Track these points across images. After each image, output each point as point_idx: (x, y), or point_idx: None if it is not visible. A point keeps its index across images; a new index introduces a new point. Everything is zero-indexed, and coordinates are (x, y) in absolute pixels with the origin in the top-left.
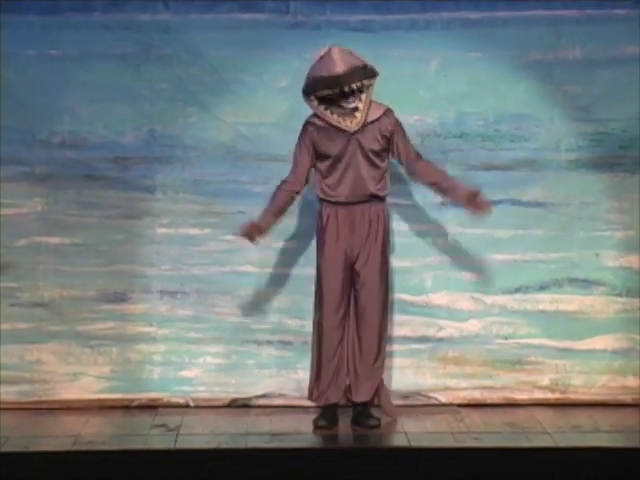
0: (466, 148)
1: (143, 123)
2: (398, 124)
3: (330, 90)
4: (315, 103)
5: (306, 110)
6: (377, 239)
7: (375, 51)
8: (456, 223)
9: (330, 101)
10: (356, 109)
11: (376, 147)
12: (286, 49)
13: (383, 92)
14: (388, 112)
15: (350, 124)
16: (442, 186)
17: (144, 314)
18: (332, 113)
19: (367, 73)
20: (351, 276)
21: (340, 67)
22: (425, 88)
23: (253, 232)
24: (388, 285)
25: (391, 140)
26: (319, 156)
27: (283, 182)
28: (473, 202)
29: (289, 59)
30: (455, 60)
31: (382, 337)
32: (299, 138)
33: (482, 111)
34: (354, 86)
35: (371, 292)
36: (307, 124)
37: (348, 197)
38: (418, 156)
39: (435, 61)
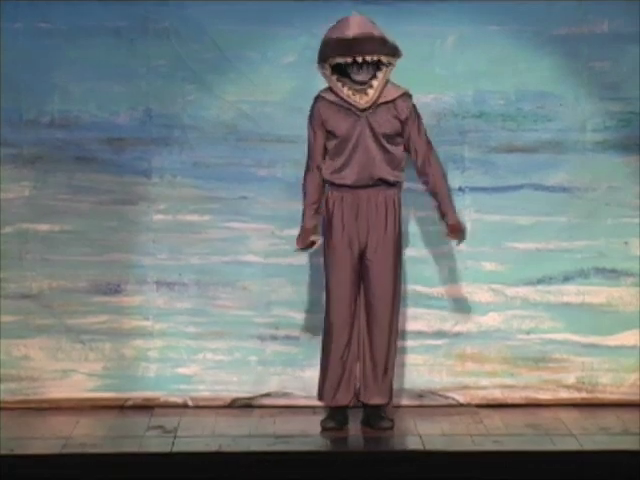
0: (486, 129)
1: (139, 102)
2: (414, 112)
3: (342, 57)
4: (328, 72)
5: (313, 88)
6: (387, 227)
7: (388, 25)
8: (474, 209)
9: (344, 73)
10: (370, 86)
11: (388, 130)
12: (293, 23)
13: (396, 69)
14: (405, 96)
15: (360, 100)
16: (438, 201)
17: (139, 307)
18: (343, 85)
19: (386, 49)
20: (360, 267)
21: (353, 31)
22: (441, 65)
23: (309, 237)
24: (400, 277)
25: (404, 128)
26: (328, 134)
27: (306, 173)
28: (454, 233)
29: (296, 34)
30: (473, 35)
31: (394, 332)
32: (310, 117)
33: (503, 89)
34: (369, 59)
35: (382, 285)
36: (317, 98)
37: (355, 181)
38: (429, 157)
39: (452, 36)
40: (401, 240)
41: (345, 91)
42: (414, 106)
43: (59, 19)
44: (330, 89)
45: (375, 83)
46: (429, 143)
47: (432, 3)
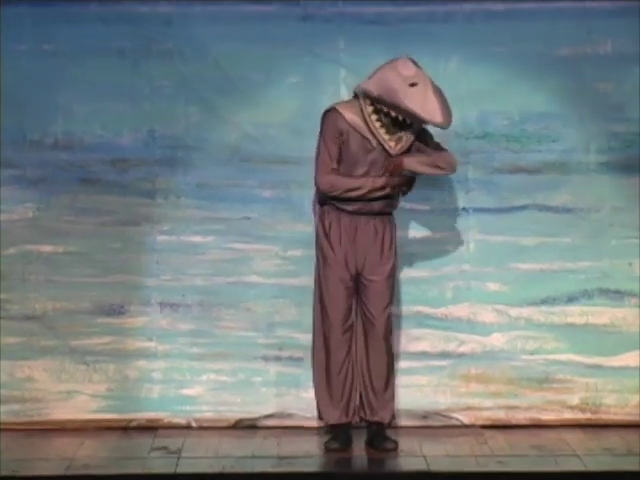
0: (490, 149)
1: (142, 123)
2: (427, 132)
3: (405, 119)
4: (370, 108)
5: (318, 109)
6: (384, 248)
7: (391, 46)
8: (478, 230)
9: (384, 113)
10: (404, 132)
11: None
12: (296, 43)
13: None
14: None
15: (393, 146)
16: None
17: (143, 328)
18: (382, 126)
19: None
20: (356, 285)
21: (443, 119)
22: (445, 86)
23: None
24: (394, 296)
25: (414, 144)
26: (341, 149)
27: (324, 177)
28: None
29: (299, 54)
30: (477, 56)
31: (391, 347)
32: (324, 128)
33: (507, 110)
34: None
35: (380, 304)
36: (333, 110)
37: (355, 210)
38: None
39: (456, 57)
40: (396, 259)
41: (382, 133)
42: (427, 129)
43: (63, 40)
44: (348, 107)
45: (410, 134)
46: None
47: (436, 24)
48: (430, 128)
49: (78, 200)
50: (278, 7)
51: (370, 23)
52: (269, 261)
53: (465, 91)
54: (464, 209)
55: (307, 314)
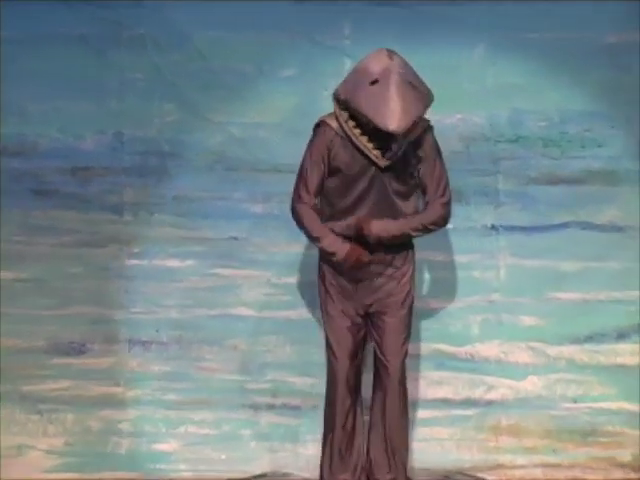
0: (523, 155)
1: (108, 124)
2: (432, 146)
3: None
4: (345, 116)
5: (317, 107)
6: (396, 274)
7: (405, 31)
8: (510, 252)
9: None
10: (394, 139)
11: (405, 173)
12: (292, 29)
13: None
14: (424, 133)
15: (379, 156)
16: None
17: (108, 370)
18: (363, 134)
19: (423, 123)
20: (366, 324)
21: (397, 124)
22: (470, 79)
23: (357, 252)
24: (410, 332)
25: (419, 165)
26: (330, 169)
27: (298, 204)
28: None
29: (296, 42)
30: (507, 43)
31: (406, 396)
32: (311, 142)
33: (543, 108)
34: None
35: (394, 342)
36: (322, 124)
37: (358, 236)
38: (440, 201)
39: (482, 44)
40: (413, 288)
41: (365, 141)
42: (433, 140)
43: (13, 24)
44: (334, 116)
45: (402, 140)
46: (443, 193)
47: (458, 5)
48: (454, 131)
49: (31, 216)
50: None
51: (380, 4)
52: (260, 290)
53: (493, 86)
54: (493, 227)
55: (305, 353)
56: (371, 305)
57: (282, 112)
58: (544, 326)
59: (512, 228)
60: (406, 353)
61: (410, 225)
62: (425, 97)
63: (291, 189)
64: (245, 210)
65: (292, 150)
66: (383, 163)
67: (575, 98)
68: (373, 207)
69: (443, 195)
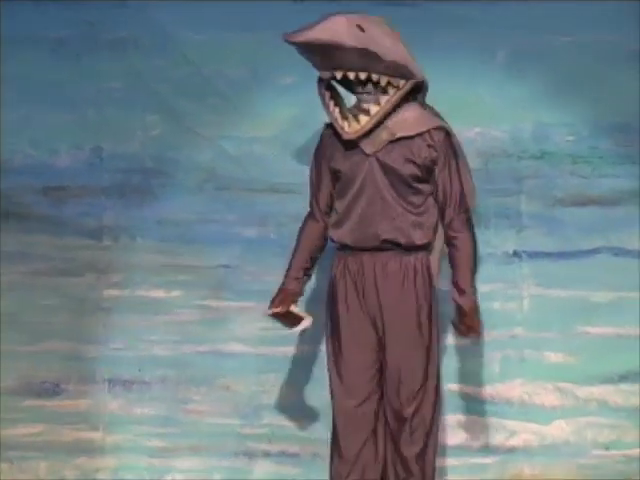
0: (549, 174)
1: (86, 138)
2: (449, 150)
3: (320, 69)
4: (323, 89)
5: (319, 119)
6: (406, 305)
7: (417, 34)
8: (534, 282)
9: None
10: (365, 112)
11: (406, 171)
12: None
13: (429, 93)
14: (436, 131)
15: (347, 128)
16: (454, 275)
17: (86, 413)
18: (336, 105)
19: (386, 68)
20: (380, 352)
21: (298, 35)
22: (490, 89)
23: (288, 303)
24: (438, 376)
25: (434, 172)
26: (333, 174)
27: (306, 218)
28: (462, 322)
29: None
30: (533, 48)
31: (431, 439)
32: (316, 148)
33: (572, 121)
34: (362, 76)
35: (408, 387)
36: (324, 126)
37: (354, 241)
38: (457, 220)
39: (504, 49)
40: (433, 318)
41: (335, 113)
42: (449, 144)
43: None
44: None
45: (373, 109)
46: (462, 200)
47: (477, 4)
48: (472, 146)
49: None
50: None
51: (388, 3)
52: (254, 324)
53: (516, 95)
54: (515, 253)
55: (304, 394)
56: (384, 331)
57: (280, 125)
58: (572, 364)
59: (536, 254)
60: (428, 388)
61: (471, 267)
62: (366, 39)
63: (289, 210)
64: (238, 234)
65: (291, 167)
66: (348, 134)
67: (607, 110)
68: (365, 209)
69: (464, 209)
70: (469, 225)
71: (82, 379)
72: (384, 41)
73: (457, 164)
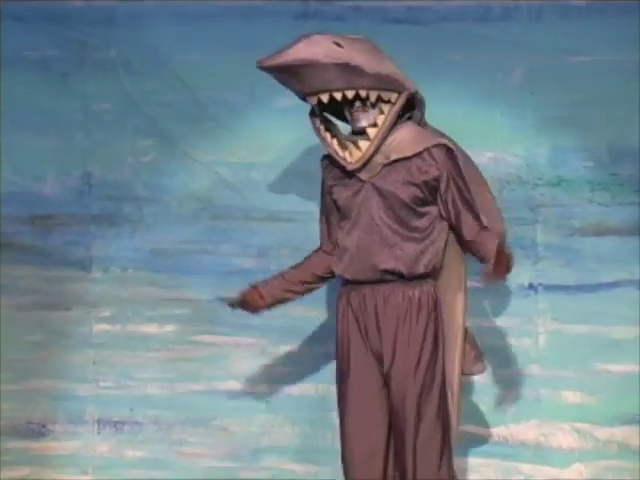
0: (567, 202)
1: (74, 163)
2: (453, 168)
3: (303, 96)
4: (318, 123)
5: (319, 144)
6: (411, 340)
7: (428, 54)
8: (551, 316)
9: (335, 117)
10: (364, 136)
11: (406, 195)
12: None
13: (439, 116)
14: (435, 148)
15: (349, 157)
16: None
17: (74, 456)
18: (332, 136)
19: (373, 81)
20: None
21: (297, 52)
22: (503, 111)
23: (252, 298)
24: (446, 416)
25: (438, 192)
26: (334, 205)
27: (317, 248)
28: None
29: None
30: (549, 67)
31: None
32: (321, 181)
33: (591, 145)
34: (349, 94)
35: (409, 425)
36: (322, 158)
37: (353, 273)
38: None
39: (519, 69)
40: (439, 355)
41: (333, 145)
42: (453, 160)
43: None
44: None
45: (372, 132)
46: (476, 217)
47: (490, 23)
48: (485, 172)
49: None
50: (266, 0)
51: (398, 22)
52: (253, 360)
53: (531, 118)
54: (531, 287)
55: (308, 435)
56: (390, 368)
57: (279, 150)
58: (591, 404)
59: (553, 287)
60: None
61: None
62: (344, 54)
63: (290, 240)
64: (236, 266)
65: (291, 195)
66: (352, 165)
67: (628, 133)
68: (362, 239)
69: (483, 225)
70: (492, 232)
71: (70, 420)
72: (365, 55)
73: (464, 182)
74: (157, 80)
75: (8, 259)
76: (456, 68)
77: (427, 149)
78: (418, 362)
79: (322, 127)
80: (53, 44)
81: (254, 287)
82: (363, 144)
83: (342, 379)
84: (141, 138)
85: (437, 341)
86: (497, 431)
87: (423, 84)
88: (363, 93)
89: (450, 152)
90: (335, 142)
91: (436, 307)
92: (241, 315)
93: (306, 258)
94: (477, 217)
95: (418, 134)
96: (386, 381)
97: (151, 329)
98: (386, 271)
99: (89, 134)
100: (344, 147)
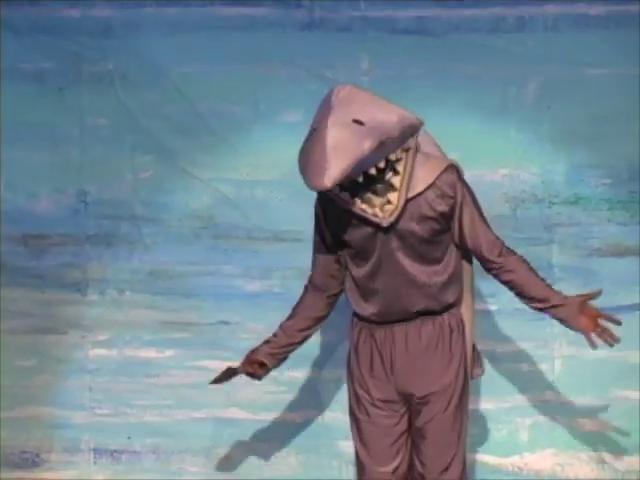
0: (584, 221)
1: (69, 180)
2: (464, 189)
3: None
4: (337, 190)
5: None
6: (443, 364)
7: (438, 66)
8: (567, 341)
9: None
10: (389, 187)
11: (424, 230)
12: (297, 63)
13: (450, 133)
14: (445, 174)
15: (381, 212)
16: (530, 294)
17: None
18: (353, 196)
19: (398, 141)
20: (405, 413)
21: (318, 180)
22: (518, 126)
23: (253, 367)
24: (464, 443)
25: (454, 217)
26: (338, 242)
27: (306, 286)
28: (588, 316)
29: (301, 78)
30: (565, 80)
31: None
32: (314, 214)
33: (609, 162)
34: (382, 165)
35: (437, 458)
36: (317, 196)
37: (382, 317)
38: (504, 248)
39: (534, 82)
40: (467, 378)
41: (358, 205)
42: (462, 183)
43: None
44: None
45: (396, 181)
46: (490, 233)
47: (504, 34)
48: (499, 190)
49: None
50: (270, 9)
51: (407, 33)
52: (257, 387)
53: (547, 133)
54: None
55: (314, 466)
56: (412, 395)
57: (284, 166)
58: (610, 432)
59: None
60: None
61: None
62: (373, 131)
63: (295, 261)
64: (238, 288)
65: (296, 214)
66: (388, 221)
67: None
68: (388, 285)
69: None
70: (511, 251)
71: (65, 448)
72: (381, 115)
73: (474, 200)
74: (156, 93)
75: (0, 281)
76: (468, 81)
77: (438, 177)
78: (452, 384)
79: (337, 188)
80: (49, 56)
81: (253, 360)
82: (392, 196)
83: (358, 409)
84: (139, 154)
85: (466, 361)
86: (511, 461)
87: (433, 98)
88: (393, 157)
89: (458, 172)
90: (359, 202)
91: (464, 329)
92: (243, 339)
93: (298, 304)
94: (493, 233)
95: (423, 163)
96: (415, 405)
97: (150, 354)
98: (419, 312)
99: (85, 150)
100: (372, 205)
